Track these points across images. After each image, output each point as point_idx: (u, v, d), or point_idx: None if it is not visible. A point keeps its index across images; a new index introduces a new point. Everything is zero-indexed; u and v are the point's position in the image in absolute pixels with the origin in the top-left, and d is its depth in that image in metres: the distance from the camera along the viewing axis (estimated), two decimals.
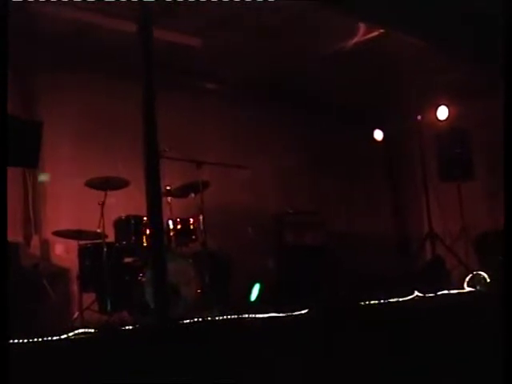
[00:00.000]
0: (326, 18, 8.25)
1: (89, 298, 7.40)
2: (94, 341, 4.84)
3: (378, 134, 11.14)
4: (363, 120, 11.27)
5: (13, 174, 7.93)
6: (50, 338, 4.58)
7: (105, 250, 7.18)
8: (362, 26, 8.69)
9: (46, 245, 8.37)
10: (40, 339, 4.51)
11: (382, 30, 8.65)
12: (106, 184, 7.34)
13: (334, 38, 9.01)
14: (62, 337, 4.72)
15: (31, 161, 5.36)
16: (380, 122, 11.29)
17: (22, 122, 5.68)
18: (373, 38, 8.86)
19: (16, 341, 4.35)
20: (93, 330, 5.02)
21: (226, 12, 7.99)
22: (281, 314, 5.77)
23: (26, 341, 4.43)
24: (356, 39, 8.98)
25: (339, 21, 8.41)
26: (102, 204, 7.28)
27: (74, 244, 7.54)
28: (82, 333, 4.92)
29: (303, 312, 5.91)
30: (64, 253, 8.10)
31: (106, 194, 7.31)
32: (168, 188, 7.61)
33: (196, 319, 5.62)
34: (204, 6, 7.51)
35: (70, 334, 4.80)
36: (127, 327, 5.31)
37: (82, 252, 7.45)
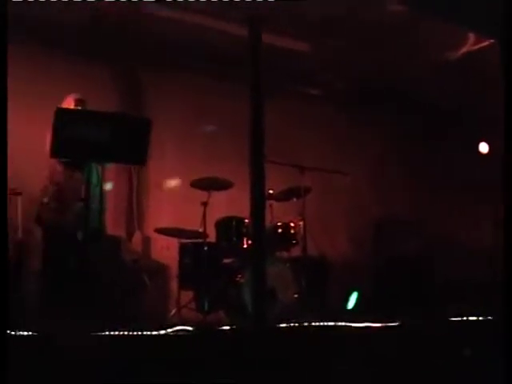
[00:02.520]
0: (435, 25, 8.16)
1: (187, 295, 7.46)
2: (191, 338, 4.89)
3: (484, 147, 10.87)
4: (468, 130, 11.03)
5: (119, 170, 8.13)
6: (149, 333, 4.65)
7: (205, 249, 7.28)
8: (471, 36, 8.56)
9: (147, 241, 8.48)
10: (139, 333, 4.58)
11: (491, 40, 8.46)
12: (209, 184, 7.44)
13: (443, 46, 8.88)
14: (161, 332, 4.78)
15: (140, 158, 5.46)
16: (486, 133, 11.02)
17: (132, 120, 5.78)
18: (482, 48, 8.67)
19: (113, 333, 4.43)
20: (191, 328, 5.06)
21: (333, 17, 8.00)
22: (376, 324, 5.69)
23: (124, 333, 4.50)
24: (466, 48, 8.85)
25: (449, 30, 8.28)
26: (205, 204, 7.37)
27: (174, 242, 7.65)
28: (180, 330, 4.97)
29: (397, 323, 5.81)
30: (165, 250, 8.17)
31: (209, 195, 7.39)
32: (270, 192, 7.62)
33: (292, 324, 5.61)
34: (311, 12, 7.58)
35: (169, 330, 4.86)
36: (224, 327, 5.34)
37: (183, 250, 7.56)
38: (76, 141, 5.06)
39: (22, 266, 6.74)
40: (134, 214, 8.40)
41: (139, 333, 4.59)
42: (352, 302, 7.66)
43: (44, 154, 5.91)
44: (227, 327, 5.35)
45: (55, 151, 5.19)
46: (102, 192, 6.10)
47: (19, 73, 7.63)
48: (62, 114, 5.10)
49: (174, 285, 7.78)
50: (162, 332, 4.82)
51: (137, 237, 8.36)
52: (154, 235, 8.02)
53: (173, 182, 8.45)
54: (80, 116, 5.57)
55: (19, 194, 7.00)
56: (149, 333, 4.68)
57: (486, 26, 7.59)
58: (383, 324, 5.73)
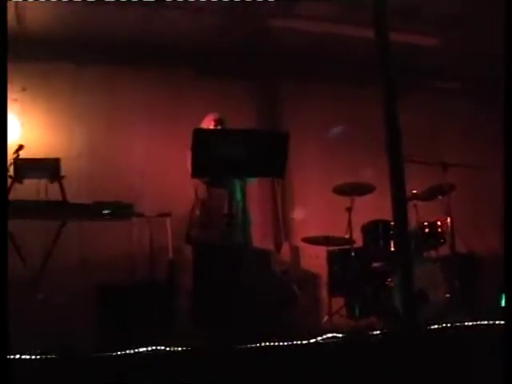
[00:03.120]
0: None
1: (337, 302, 7.49)
2: (342, 345, 4.89)
3: None
4: None
5: (263, 184, 8.28)
6: (300, 342, 4.68)
7: (353, 255, 7.29)
8: None
9: (295, 251, 8.56)
10: (290, 342, 4.62)
11: None
12: (352, 190, 7.43)
13: None
14: (312, 340, 4.81)
15: (278, 172, 5.52)
16: None
17: (270, 135, 5.89)
18: None
19: (266, 343, 4.48)
20: (341, 335, 5.06)
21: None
22: None
23: (275, 343, 4.55)
24: None
25: None
26: (350, 209, 7.39)
27: (322, 250, 7.70)
28: (331, 337, 4.98)
29: None
30: (313, 258, 8.22)
31: (352, 200, 7.40)
32: (414, 192, 7.53)
33: (444, 324, 5.51)
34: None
35: (319, 338, 4.88)
36: (375, 332, 5.30)
37: (331, 258, 7.60)
38: (215, 159, 5.19)
39: (175, 284, 6.95)
40: (281, 225, 8.51)
41: (290, 342, 4.63)
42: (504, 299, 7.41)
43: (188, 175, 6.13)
44: (378, 332, 5.32)
45: (196, 171, 5.35)
46: (245, 206, 6.24)
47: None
48: (199, 134, 5.25)
49: (324, 292, 7.82)
50: (313, 340, 4.83)
51: (285, 248, 8.46)
52: (302, 245, 8.08)
53: (316, 191, 8.49)
54: (217, 135, 5.73)
55: (168, 215, 7.27)
56: (299, 342, 4.71)
57: None
58: None
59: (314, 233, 7.71)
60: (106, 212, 6.35)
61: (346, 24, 8.14)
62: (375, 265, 7.70)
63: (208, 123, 6.74)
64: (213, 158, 5.21)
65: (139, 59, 8.31)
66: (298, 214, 8.76)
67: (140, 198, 7.38)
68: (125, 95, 8.38)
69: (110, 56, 8.21)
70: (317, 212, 8.60)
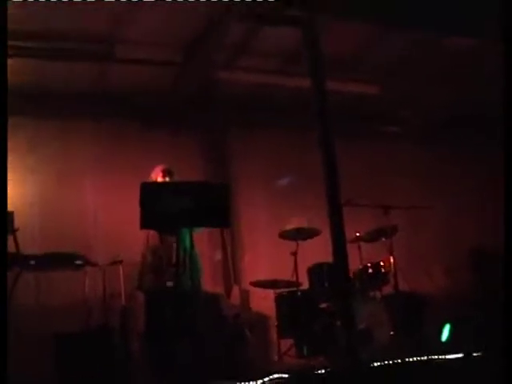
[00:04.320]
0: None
1: (287, 343, 7.66)
2: None
3: None
4: None
5: (212, 232, 8.49)
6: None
7: (299, 296, 7.53)
8: None
9: (245, 295, 8.74)
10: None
11: None
12: (297, 234, 7.71)
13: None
14: (259, 382, 4.99)
15: (223, 221, 5.75)
16: None
17: (212, 186, 6.12)
18: None
19: None
20: (286, 376, 5.25)
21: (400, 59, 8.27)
22: (473, 354, 5.74)
23: None
24: None
25: None
26: (295, 254, 7.64)
27: (270, 292, 7.90)
28: (276, 378, 5.17)
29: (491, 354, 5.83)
30: (262, 301, 8.41)
31: (297, 244, 7.65)
32: (358, 234, 7.81)
33: (388, 361, 5.71)
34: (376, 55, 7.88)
35: (266, 380, 5.07)
36: (320, 371, 5.50)
37: (279, 300, 7.77)
38: (162, 211, 5.39)
39: (128, 330, 7.10)
40: (230, 270, 8.72)
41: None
42: (446, 334, 7.66)
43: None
44: (323, 371, 5.52)
45: (144, 223, 5.55)
46: (193, 254, 6.47)
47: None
48: (145, 188, 5.47)
49: (274, 334, 8.01)
50: (260, 382, 5.01)
51: (235, 292, 8.64)
52: (251, 288, 8.25)
53: (264, 236, 8.72)
54: (163, 188, 5.96)
55: (120, 262, 7.45)
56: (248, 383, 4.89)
57: None
58: (481, 354, 5.77)
59: (262, 276, 7.95)
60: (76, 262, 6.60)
61: (286, 75, 8.49)
62: (322, 305, 7.84)
63: (157, 174, 6.95)
64: (159, 210, 5.41)
65: (91, 113, 8.53)
66: (246, 259, 9.00)
67: (92, 246, 7.56)
68: (77, 148, 8.56)
69: (63, 110, 8.42)
70: (265, 256, 8.84)
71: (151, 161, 7.45)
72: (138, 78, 8.30)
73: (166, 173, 6.94)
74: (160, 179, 6.89)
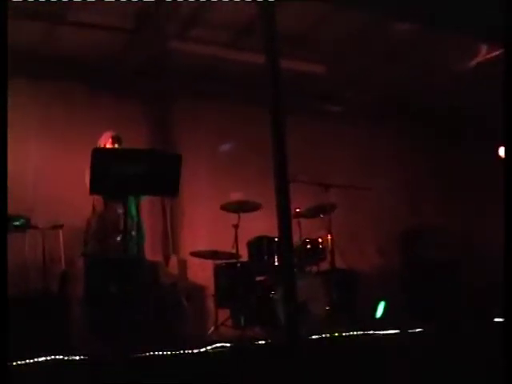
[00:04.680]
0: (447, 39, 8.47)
1: (223, 314, 7.79)
2: (229, 355, 5.18)
3: (502, 151, 11.06)
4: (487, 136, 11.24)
5: (153, 200, 8.52)
6: (189, 351, 4.95)
7: (239, 268, 7.63)
8: (483, 47, 8.86)
9: (182, 264, 8.84)
10: (180, 351, 4.87)
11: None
12: (239, 207, 7.79)
13: (455, 59, 9.19)
14: (202, 350, 5.08)
15: (172, 190, 5.81)
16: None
17: (165, 156, 6.18)
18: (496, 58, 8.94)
19: (157, 353, 4.73)
20: (228, 345, 5.36)
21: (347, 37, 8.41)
22: (406, 331, 5.94)
23: (166, 352, 4.78)
24: (478, 59, 9.14)
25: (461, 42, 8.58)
26: (236, 226, 7.73)
27: (208, 263, 8.00)
28: (219, 347, 5.28)
29: (425, 329, 6.04)
30: (199, 271, 8.51)
31: (239, 217, 7.75)
32: (298, 210, 7.94)
33: (324, 335, 5.87)
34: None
35: (209, 348, 5.17)
36: (260, 342, 5.62)
37: (218, 271, 7.88)
38: (112, 177, 5.42)
39: (67, 294, 7.11)
40: (169, 239, 8.78)
41: (180, 352, 4.88)
42: (380, 311, 7.90)
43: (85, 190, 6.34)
44: (263, 342, 5.65)
45: (94, 188, 5.57)
46: (140, 222, 6.52)
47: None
48: (98, 153, 5.49)
49: (210, 304, 8.13)
50: (203, 350, 5.11)
51: (173, 261, 8.72)
52: (189, 258, 8.35)
53: (205, 207, 8.78)
54: (115, 155, 5.97)
55: (61, 227, 7.45)
56: (190, 351, 4.97)
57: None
58: (412, 330, 5.97)
59: (201, 247, 7.99)
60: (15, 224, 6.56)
61: (237, 49, 8.54)
62: (260, 278, 8.00)
63: (105, 140, 6.95)
64: (110, 176, 5.43)
65: (36, 72, 8.41)
66: (186, 229, 9.06)
67: (33, 210, 7.50)
68: (19, 109, 8.43)
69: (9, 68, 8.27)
70: (205, 228, 8.92)
71: (96, 126, 7.47)
72: (88, 42, 8.23)
73: (115, 139, 6.95)
74: (109, 145, 6.89)
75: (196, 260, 8.20)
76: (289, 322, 5.59)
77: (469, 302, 8.64)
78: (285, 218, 5.71)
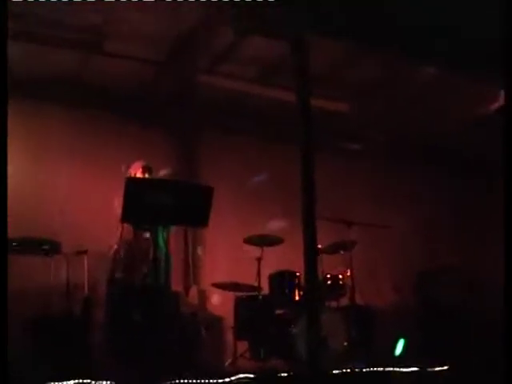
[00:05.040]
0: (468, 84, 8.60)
1: (242, 346, 7.85)
2: None
3: None
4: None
5: (175, 230, 8.63)
6: (214, 380, 5.04)
7: (260, 301, 7.74)
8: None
9: (202, 295, 8.92)
10: (206, 381, 4.96)
11: None
12: (262, 241, 7.91)
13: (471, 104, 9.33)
14: (226, 380, 5.18)
15: (202, 221, 5.94)
16: None
17: (197, 187, 6.35)
18: None
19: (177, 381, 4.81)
20: (252, 375, 5.45)
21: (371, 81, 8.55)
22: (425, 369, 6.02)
23: (192, 381, 4.87)
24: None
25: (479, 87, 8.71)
26: (259, 259, 7.84)
27: (227, 295, 8.11)
28: (243, 378, 5.36)
29: (444, 368, 6.11)
30: (219, 303, 8.58)
31: (262, 250, 7.85)
32: (319, 246, 8.02)
33: (345, 370, 5.95)
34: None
35: (233, 378, 5.26)
36: (283, 374, 5.71)
37: (239, 303, 7.97)
38: (145, 207, 5.57)
39: (90, 320, 7.18)
40: (190, 270, 8.87)
41: (206, 381, 4.97)
42: (399, 348, 7.94)
43: (112, 217, 6.47)
44: (285, 374, 5.74)
45: (126, 216, 5.71)
46: (168, 252, 6.63)
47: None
48: (131, 183, 5.65)
49: (229, 336, 8.19)
50: (227, 380, 5.20)
51: (193, 291, 8.79)
52: (210, 289, 8.49)
53: (227, 239, 8.87)
54: (148, 185, 6.12)
55: (85, 252, 7.53)
56: (214, 381, 5.06)
57: None
58: (431, 369, 6.04)
59: (220, 279, 8.09)
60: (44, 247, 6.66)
61: (265, 85, 8.71)
62: (279, 311, 8.07)
63: (136, 170, 7.09)
64: (143, 206, 5.59)
65: (68, 99, 8.57)
66: (207, 260, 9.16)
67: (58, 235, 7.60)
68: (50, 134, 8.59)
69: (41, 93, 8.47)
70: (226, 259, 9.01)
71: (124, 155, 7.62)
72: (120, 71, 8.42)
73: (145, 169, 7.09)
74: (139, 175, 7.03)
75: (216, 292, 8.32)
76: (311, 355, 5.68)
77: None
78: (311, 253, 5.83)
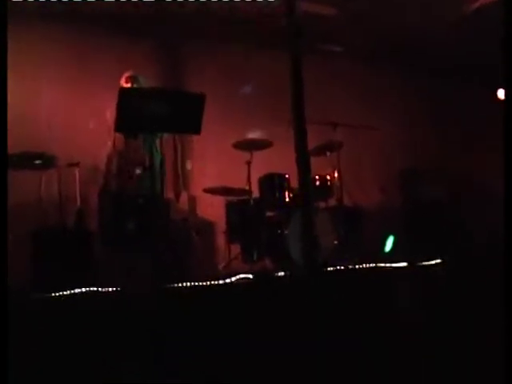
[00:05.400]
0: None
1: (234, 249, 8.03)
2: (253, 285, 5.42)
3: (501, 93, 11.25)
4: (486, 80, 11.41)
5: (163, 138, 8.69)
6: (213, 282, 5.16)
7: (251, 205, 7.88)
8: None
9: (192, 201, 9.06)
10: (202, 283, 5.08)
11: None
12: (251, 145, 8.02)
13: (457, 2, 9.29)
14: (227, 281, 5.32)
15: (195, 128, 5.98)
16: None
17: (189, 95, 6.39)
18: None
19: (174, 285, 4.94)
20: (251, 276, 5.62)
21: None
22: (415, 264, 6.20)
23: (185, 284, 4.99)
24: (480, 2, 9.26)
25: None
26: (249, 163, 7.95)
27: (217, 200, 8.23)
28: (242, 278, 5.53)
29: (435, 262, 6.30)
30: (210, 208, 8.71)
31: (251, 154, 7.96)
32: None
33: (338, 267, 6.13)
34: None
35: (233, 279, 5.41)
36: (280, 274, 5.88)
37: (229, 207, 8.12)
38: (138, 115, 5.62)
39: (82, 230, 7.27)
40: (180, 176, 8.96)
41: (205, 283, 5.10)
42: (389, 245, 8.14)
43: (103, 128, 6.52)
44: (282, 274, 5.91)
45: (120, 126, 5.77)
46: (162, 159, 6.70)
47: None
48: (125, 93, 5.68)
49: (220, 240, 8.38)
50: (228, 281, 5.34)
51: (184, 197, 8.92)
52: (200, 195, 8.55)
53: (217, 145, 8.92)
54: (141, 94, 6.14)
55: (77, 164, 7.56)
56: (216, 282, 5.20)
57: None
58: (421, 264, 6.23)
59: (210, 184, 8.20)
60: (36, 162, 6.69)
61: None
62: (270, 214, 8.24)
63: (125, 80, 7.11)
64: (137, 115, 5.64)
65: (51, 14, 8.44)
66: (196, 166, 9.24)
67: (48, 149, 7.61)
68: (35, 49, 8.49)
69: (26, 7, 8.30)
70: (215, 165, 9.09)
71: (111, 66, 7.61)
72: None
73: (130, 79, 7.14)
74: (124, 85, 7.06)
75: (205, 197, 8.39)
76: (305, 255, 5.82)
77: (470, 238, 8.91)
78: (303, 155, 5.90)
